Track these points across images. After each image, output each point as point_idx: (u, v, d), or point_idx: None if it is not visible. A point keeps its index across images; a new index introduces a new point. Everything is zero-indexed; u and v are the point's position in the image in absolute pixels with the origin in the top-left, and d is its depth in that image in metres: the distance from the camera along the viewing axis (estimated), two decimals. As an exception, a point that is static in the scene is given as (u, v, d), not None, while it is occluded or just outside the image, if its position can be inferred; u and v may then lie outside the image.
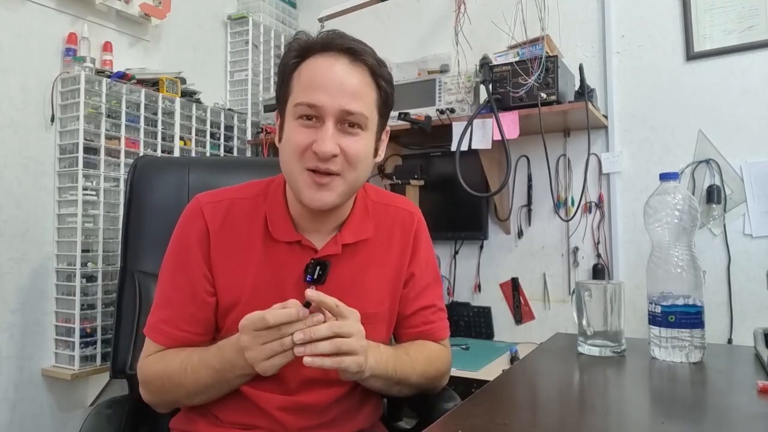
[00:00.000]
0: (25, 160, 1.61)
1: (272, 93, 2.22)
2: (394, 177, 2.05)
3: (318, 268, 0.91)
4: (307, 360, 0.77)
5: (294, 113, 0.86)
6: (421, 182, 2.06)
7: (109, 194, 1.72)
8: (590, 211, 1.94)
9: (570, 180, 1.97)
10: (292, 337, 0.77)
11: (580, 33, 1.97)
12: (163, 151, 1.87)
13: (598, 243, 1.92)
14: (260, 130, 2.24)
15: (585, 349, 0.98)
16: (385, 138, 0.97)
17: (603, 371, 0.91)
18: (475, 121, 1.74)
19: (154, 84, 1.86)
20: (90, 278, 1.66)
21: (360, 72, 0.86)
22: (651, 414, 0.73)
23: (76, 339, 1.61)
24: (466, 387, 1.41)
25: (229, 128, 2.17)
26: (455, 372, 1.37)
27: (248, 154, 2.27)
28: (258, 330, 0.78)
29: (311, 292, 0.78)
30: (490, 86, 1.74)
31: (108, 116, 1.71)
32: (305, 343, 0.77)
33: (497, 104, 1.72)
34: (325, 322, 0.79)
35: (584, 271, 1.94)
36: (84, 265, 1.64)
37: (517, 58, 1.72)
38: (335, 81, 0.84)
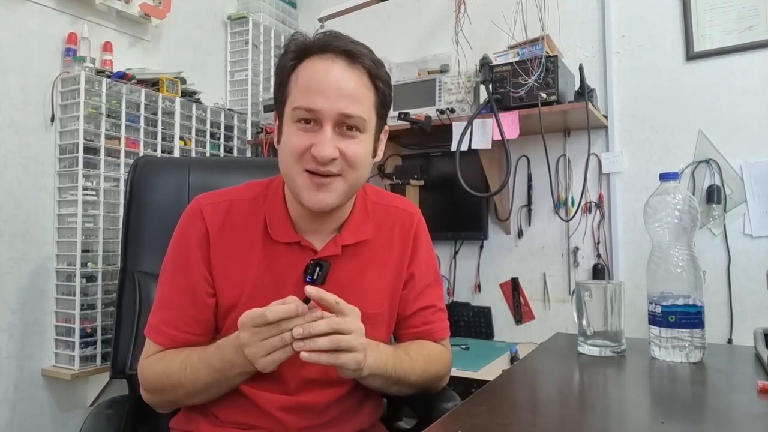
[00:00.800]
0: (25, 160, 1.61)
1: (272, 93, 2.22)
2: (394, 177, 2.05)
3: (317, 268, 0.90)
4: (304, 355, 0.77)
5: (292, 116, 0.86)
6: (421, 182, 2.06)
7: (109, 194, 1.72)
8: (590, 211, 1.94)
9: (570, 180, 1.97)
10: (291, 333, 0.77)
11: (580, 33, 1.97)
12: (163, 151, 1.87)
13: (598, 243, 1.92)
14: (260, 130, 2.24)
15: (585, 349, 0.98)
16: (383, 138, 0.97)
17: (603, 371, 0.91)
18: (475, 121, 1.74)
19: (154, 84, 1.86)
20: (90, 278, 1.66)
21: (357, 74, 0.86)
22: (651, 414, 0.73)
23: (76, 339, 1.61)
24: (466, 387, 1.41)
25: (229, 128, 2.17)
26: (455, 372, 1.37)
27: (248, 154, 2.27)
28: (257, 326, 0.78)
29: (311, 289, 0.79)
30: (490, 86, 1.74)
31: (108, 116, 1.71)
32: (304, 339, 0.77)
33: (497, 104, 1.72)
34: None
35: (584, 271, 1.94)
36: (84, 265, 1.64)
37: (517, 58, 1.72)
38: (333, 84, 0.84)
